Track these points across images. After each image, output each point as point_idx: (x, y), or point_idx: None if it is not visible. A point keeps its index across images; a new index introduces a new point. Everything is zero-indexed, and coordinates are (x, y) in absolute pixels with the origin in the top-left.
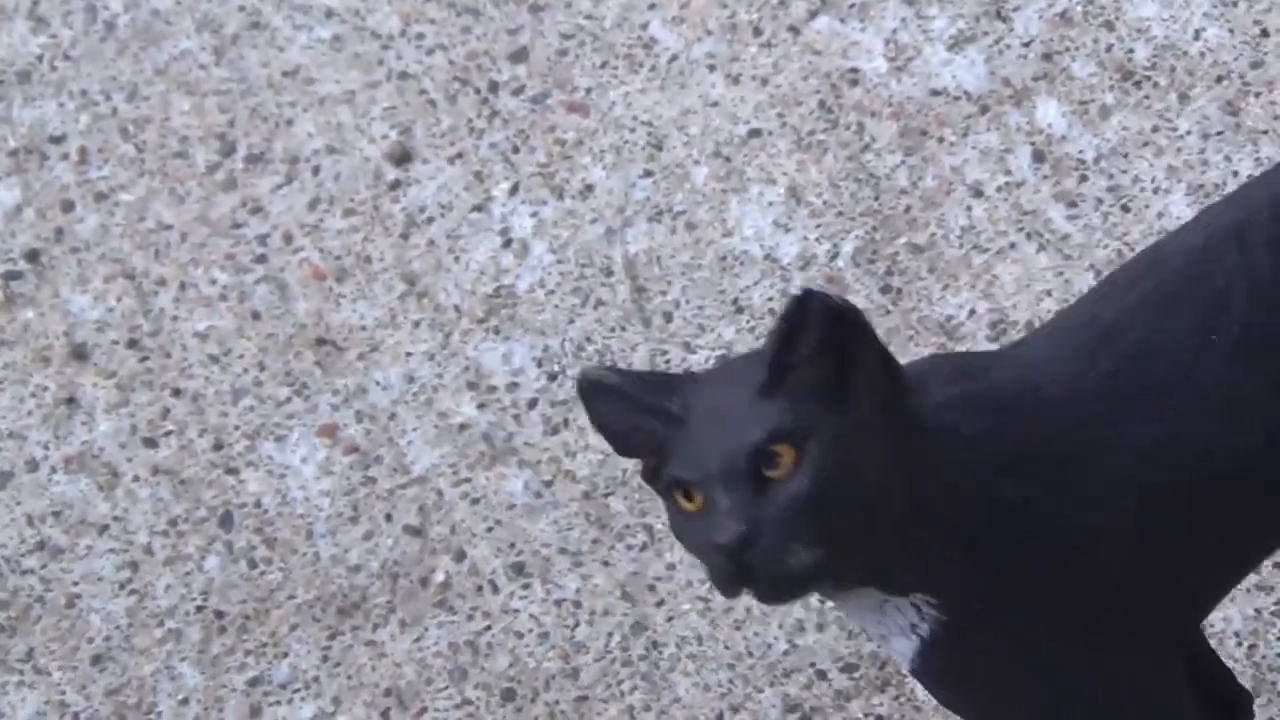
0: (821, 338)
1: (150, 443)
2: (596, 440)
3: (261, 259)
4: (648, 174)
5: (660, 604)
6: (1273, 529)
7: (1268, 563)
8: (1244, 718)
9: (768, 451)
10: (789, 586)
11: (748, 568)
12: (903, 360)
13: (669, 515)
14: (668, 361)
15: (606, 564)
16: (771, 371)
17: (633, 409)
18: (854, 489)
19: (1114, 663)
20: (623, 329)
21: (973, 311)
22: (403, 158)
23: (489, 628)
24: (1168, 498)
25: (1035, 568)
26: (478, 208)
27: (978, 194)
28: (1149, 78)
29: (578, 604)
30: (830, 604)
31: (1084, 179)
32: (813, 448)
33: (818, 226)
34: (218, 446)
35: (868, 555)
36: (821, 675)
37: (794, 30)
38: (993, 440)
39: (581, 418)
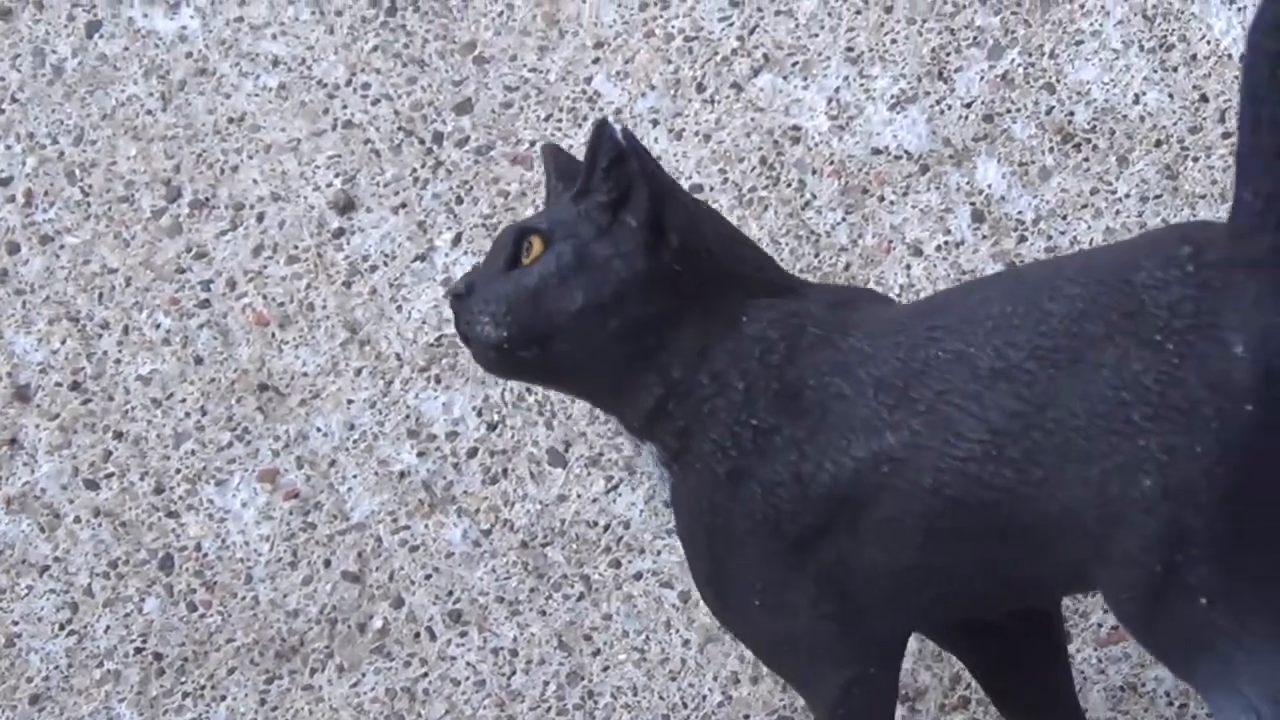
0: (606, 166)
1: (92, 485)
2: (535, 490)
3: (205, 304)
4: None
5: (596, 653)
6: (962, 566)
7: None
8: None
9: (527, 240)
10: (482, 355)
11: (460, 326)
12: None
13: None
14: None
15: (543, 613)
16: (580, 183)
17: (550, 188)
18: (563, 301)
19: (794, 614)
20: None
21: None
22: (347, 206)
23: (426, 674)
24: (876, 481)
25: (739, 478)
26: (420, 257)
27: (917, 253)
28: (1089, 140)
29: (514, 652)
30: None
31: (1023, 239)
32: (552, 251)
33: None
34: (159, 490)
35: (572, 370)
36: None
37: (737, 87)
38: (760, 350)
39: (520, 467)
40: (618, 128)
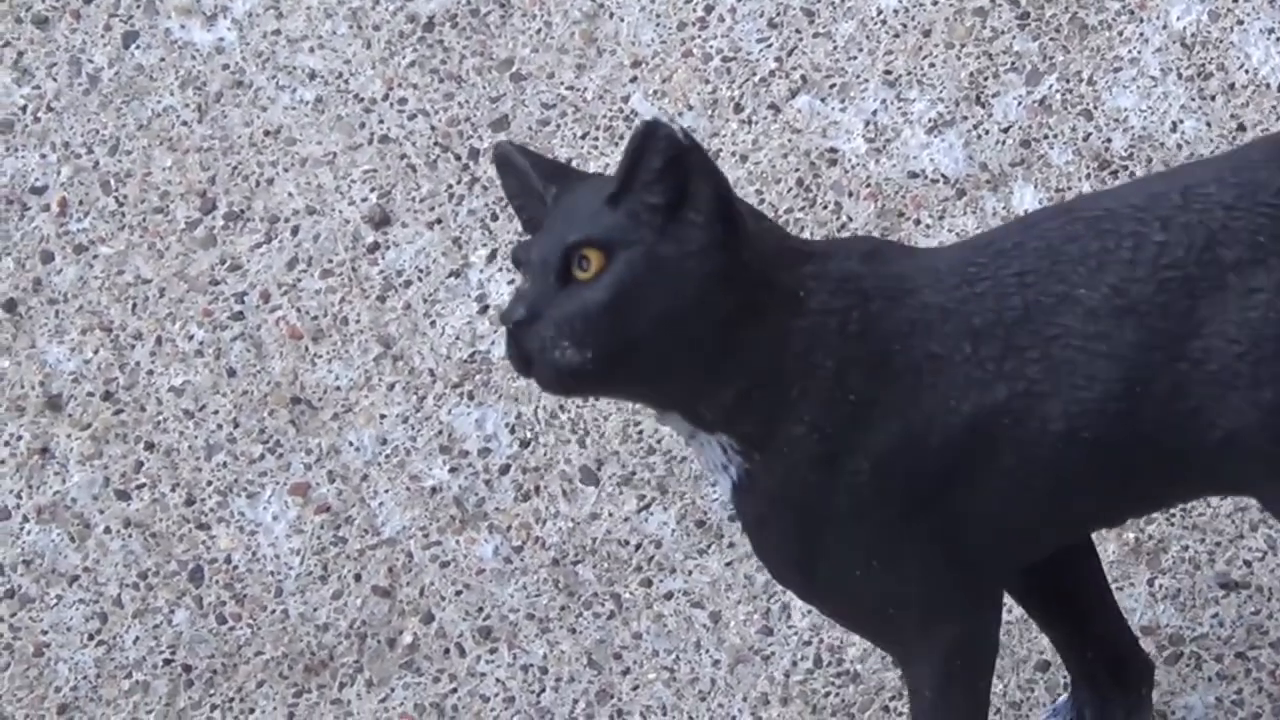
0: (661, 165)
1: (123, 495)
2: (566, 508)
3: (239, 316)
4: None
5: (626, 672)
6: (1100, 492)
7: (1229, 651)
8: (1139, 684)
9: (580, 253)
10: (559, 380)
11: (527, 352)
12: None
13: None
14: (639, 430)
15: (573, 631)
16: (616, 187)
17: (526, 189)
18: (645, 312)
19: (907, 573)
20: (595, 399)
21: None
22: (382, 221)
23: (455, 690)
24: (993, 433)
25: (840, 453)
26: (455, 273)
27: None
28: (1125, 167)
29: (544, 670)
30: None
31: None
32: (619, 261)
33: None
34: (190, 501)
35: (656, 380)
36: None
37: (774, 108)
38: (838, 322)
39: (552, 485)
40: (675, 127)
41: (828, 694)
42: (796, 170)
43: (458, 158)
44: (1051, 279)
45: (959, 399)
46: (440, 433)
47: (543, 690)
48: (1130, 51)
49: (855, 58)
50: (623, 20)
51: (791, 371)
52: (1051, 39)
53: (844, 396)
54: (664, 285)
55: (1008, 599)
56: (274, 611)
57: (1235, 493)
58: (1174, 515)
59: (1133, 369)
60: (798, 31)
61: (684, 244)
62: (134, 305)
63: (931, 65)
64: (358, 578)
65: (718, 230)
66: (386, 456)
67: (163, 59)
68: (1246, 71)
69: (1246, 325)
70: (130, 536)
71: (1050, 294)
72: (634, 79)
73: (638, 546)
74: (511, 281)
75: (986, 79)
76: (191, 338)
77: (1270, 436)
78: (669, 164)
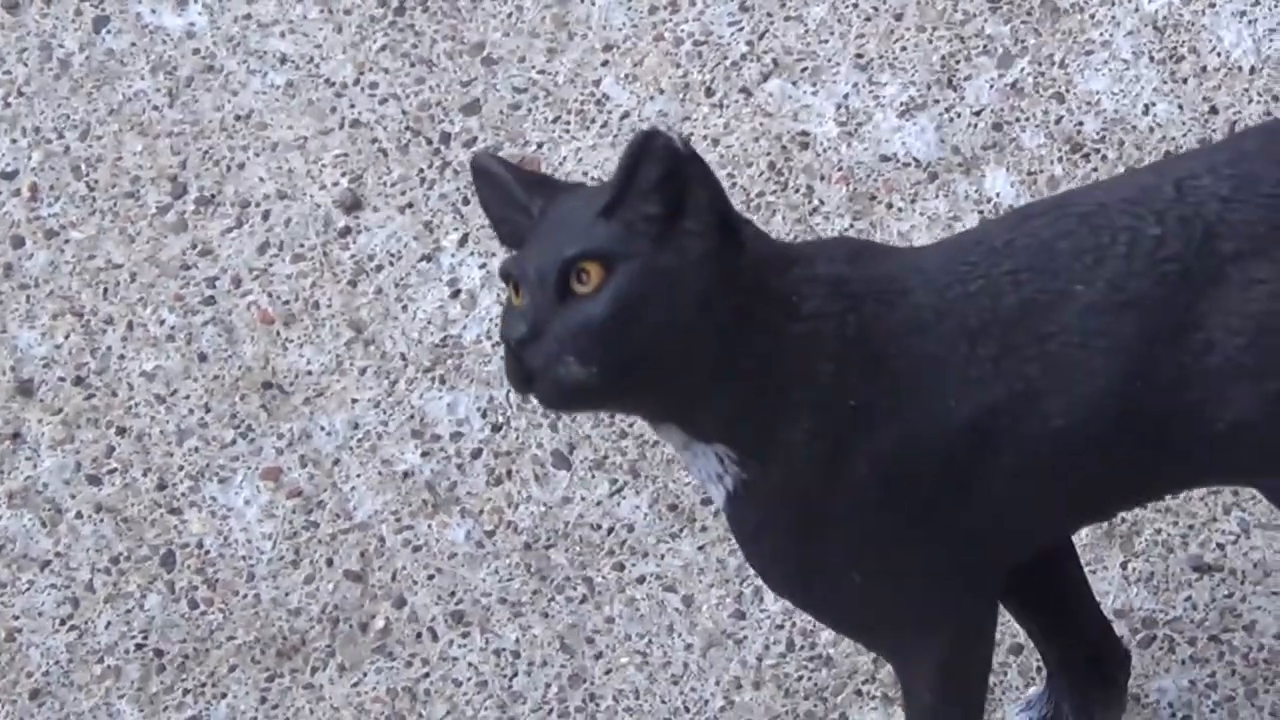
0: (659, 176)
1: (94, 480)
2: (539, 492)
3: (210, 301)
4: None
5: (598, 656)
6: (1102, 486)
7: (1202, 634)
8: (1117, 674)
9: (579, 267)
10: (561, 396)
11: (529, 369)
12: None
13: (504, 306)
14: (611, 414)
15: (546, 615)
16: (611, 198)
17: (507, 200)
18: (648, 323)
19: (907, 577)
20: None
21: None
22: (353, 205)
23: (427, 675)
24: (993, 432)
25: (840, 458)
26: (427, 257)
27: None
28: (1097, 150)
29: (516, 654)
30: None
31: None
32: (620, 274)
33: None
34: (161, 486)
35: (657, 392)
36: None
37: (746, 92)
38: (835, 326)
39: (524, 469)
40: (674, 135)
41: (800, 678)
42: (768, 154)
43: (429, 142)
44: (1046, 276)
45: (958, 399)
46: (412, 417)
47: (515, 674)
48: (1102, 34)
49: (827, 41)
50: (594, 4)
51: (789, 377)
52: (1023, 22)
53: (843, 401)
54: (665, 296)
55: None
56: (246, 596)
57: (1236, 483)
58: None
59: (1133, 363)
60: (769, 15)
61: (683, 254)
62: (105, 290)
63: (903, 49)
64: (330, 562)
65: (716, 239)
66: (358, 441)
67: (133, 44)
68: (1219, 54)
69: (1249, 317)
70: (102, 521)
71: (1046, 291)
72: (605, 63)
73: (610, 530)
74: (484, 266)
75: (958, 62)
76: (163, 323)
77: (1275, 427)
78: (667, 174)
